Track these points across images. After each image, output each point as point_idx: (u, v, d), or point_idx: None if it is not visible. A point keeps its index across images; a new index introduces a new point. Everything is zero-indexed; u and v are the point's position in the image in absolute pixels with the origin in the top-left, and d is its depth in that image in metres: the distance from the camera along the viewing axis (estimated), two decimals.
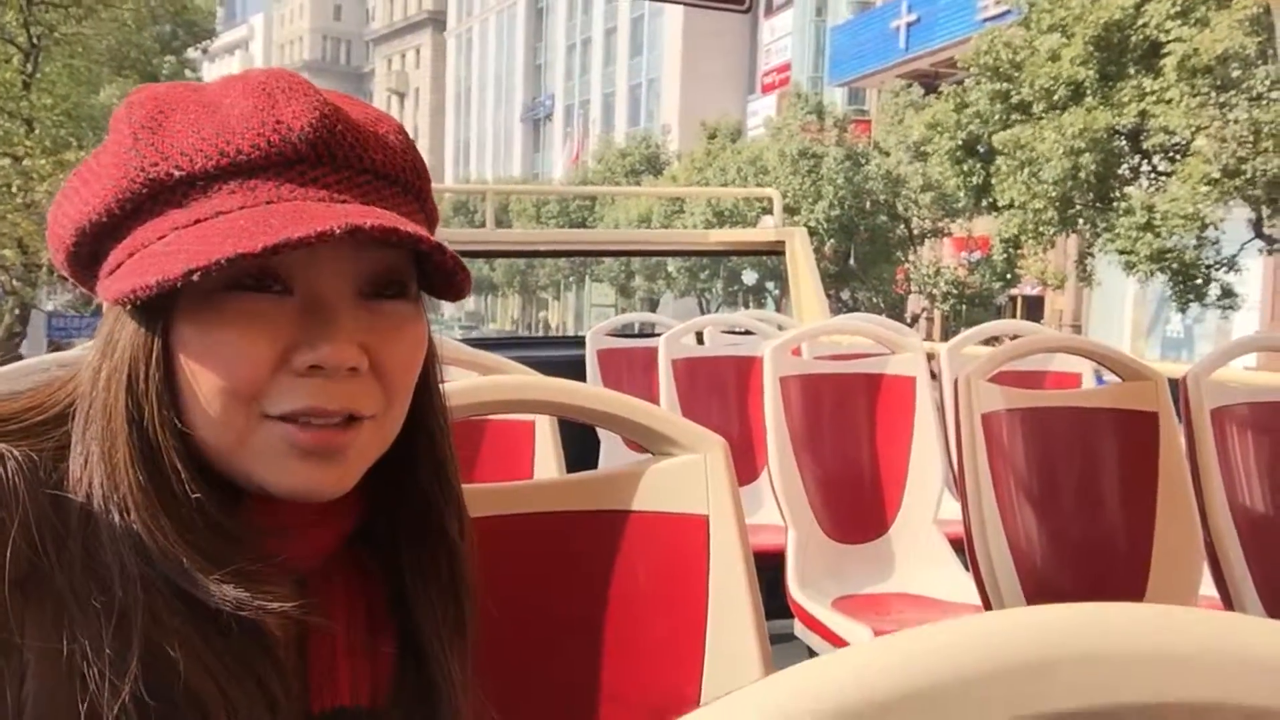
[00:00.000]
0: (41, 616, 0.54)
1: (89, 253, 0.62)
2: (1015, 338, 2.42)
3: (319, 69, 67.71)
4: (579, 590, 0.99)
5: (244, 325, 0.59)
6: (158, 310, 0.59)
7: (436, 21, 61.15)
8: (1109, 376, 2.09)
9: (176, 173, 0.59)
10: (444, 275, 0.64)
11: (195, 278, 0.55)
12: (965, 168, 14.10)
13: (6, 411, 0.61)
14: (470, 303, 44.68)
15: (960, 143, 14.02)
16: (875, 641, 0.26)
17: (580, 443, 1.29)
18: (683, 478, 1.01)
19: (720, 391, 3.38)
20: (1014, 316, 17.98)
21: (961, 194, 14.92)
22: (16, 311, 8.77)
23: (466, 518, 0.75)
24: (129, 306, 0.60)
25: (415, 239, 0.58)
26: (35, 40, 8.73)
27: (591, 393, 1.02)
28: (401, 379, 0.65)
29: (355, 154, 0.62)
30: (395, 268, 0.64)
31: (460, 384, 0.98)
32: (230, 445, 0.61)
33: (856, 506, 2.69)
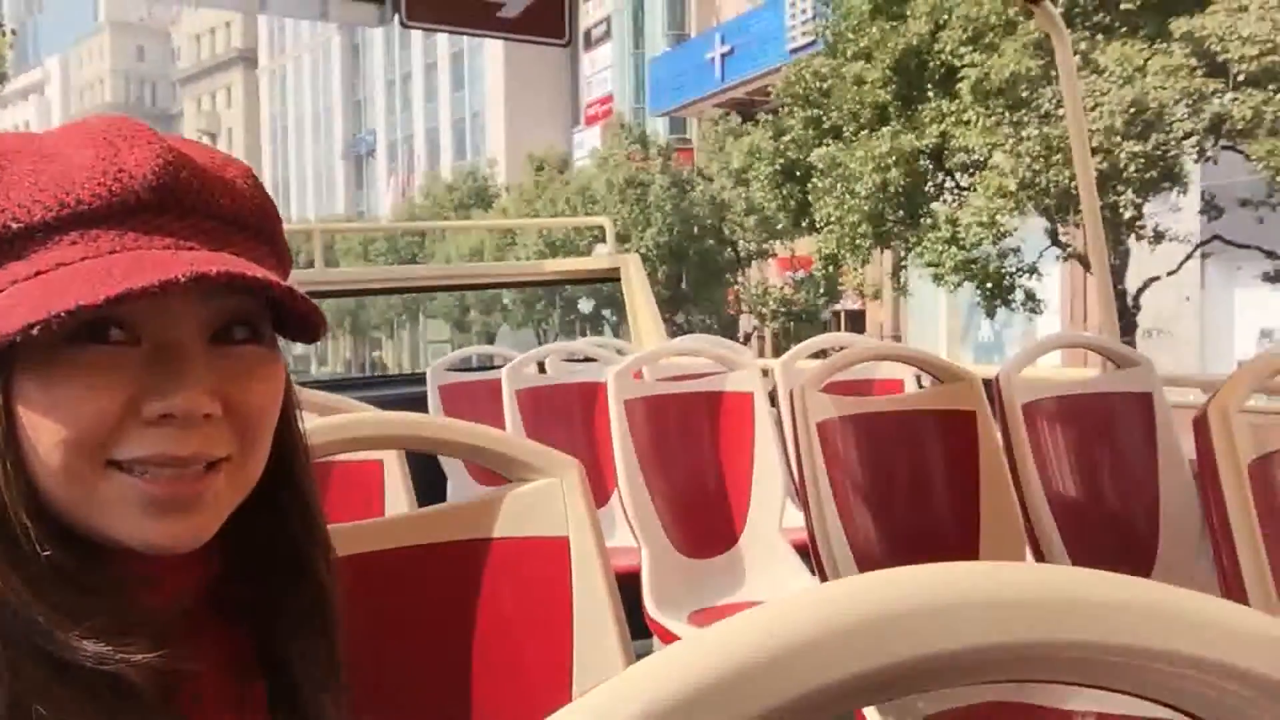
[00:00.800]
0: None
1: None
2: (841, 350, 2.54)
3: (124, 110, 64.47)
4: (447, 621, 1.00)
5: (88, 377, 0.58)
6: None
7: (247, 60, 59.28)
8: (930, 381, 2.23)
9: (14, 225, 0.58)
10: (298, 318, 0.64)
11: (35, 331, 0.54)
12: (785, 191, 14.65)
13: None
14: (297, 347, 43.23)
15: (779, 168, 14.56)
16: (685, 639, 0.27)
17: (423, 478, 1.29)
18: (541, 501, 1.04)
19: (566, 419, 3.41)
20: (839, 330, 18.73)
21: (782, 216, 15.47)
22: None
23: (333, 556, 0.75)
24: None
25: (264, 284, 0.58)
26: None
27: (446, 424, 1.03)
28: (258, 422, 0.64)
29: (201, 200, 0.61)
30: (247, 311, 0.63)
31: (313, 424, 0.97)
32: (78, 499, 0.59)
33: (706, 521, 2.76)
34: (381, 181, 46.99)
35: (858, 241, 13.27)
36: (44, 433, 0.58)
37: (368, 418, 1.04)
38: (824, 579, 1.86)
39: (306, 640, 0.71)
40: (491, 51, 37.79)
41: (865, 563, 1.84)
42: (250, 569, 0.70)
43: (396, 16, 7.81)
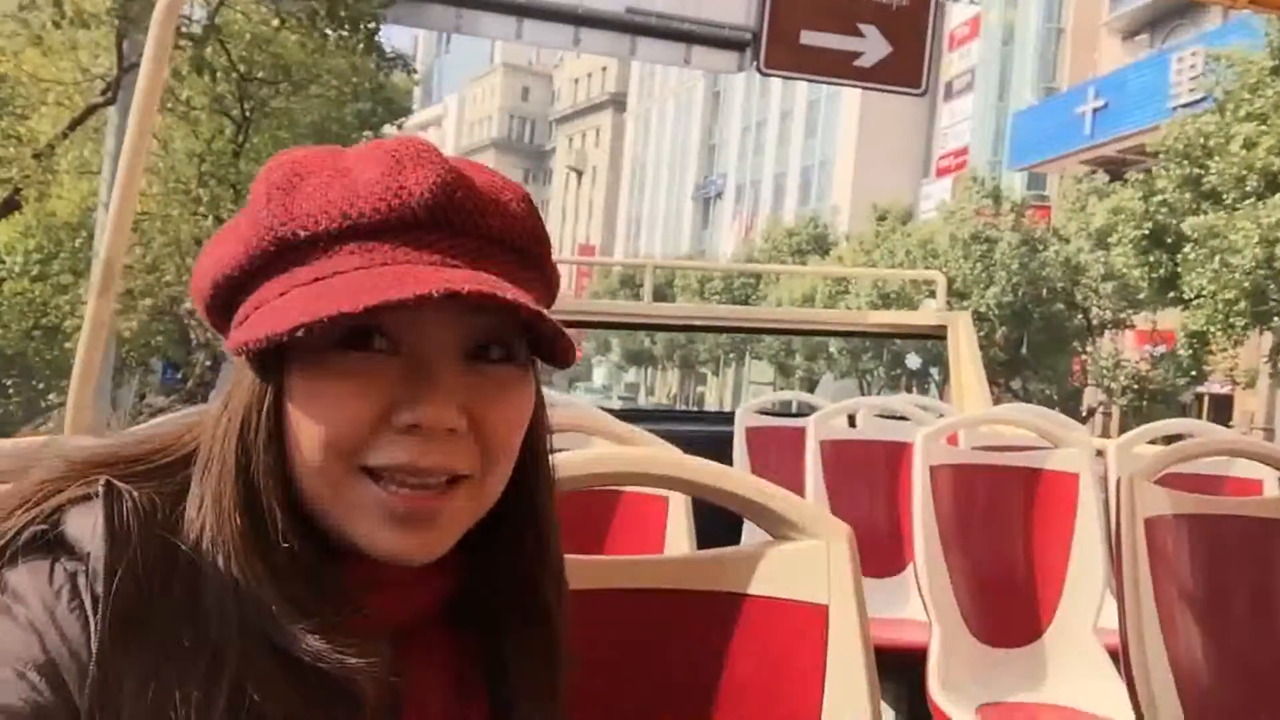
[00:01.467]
0: (141, 654, 0.57)
1: (223, 304, 0.66)
2: (1191, 439, 2.26)
3: (504, 146, 70.89)
4: (688, 671, 0.97)
5: (348, 381, 0.61)
6: (272, 363, 0.62)
7: (617, 103, 63.21)
8: None
9: (302, 233, 0.62)
10: (548, 342, 0.65)
11: (301, 333, 0.57)
12: (1151, 258, 13.48)
13: (138, 454, 0.65)
14: (631, 374, 45.24)
15: (1147, 232, 13.42)
16: None
17: (723, 524, 1.27)
18: (802, 563, 0.98)
19: (869, 477, 3.28)
20: (1199, 416, 16.90)
21: (1145, 285, 14.23)
22: (208, 362, 9.40)
23: (565, 589, 0.75)
24: (247, 358, 0.63)
25: (512, 304, 0.59)
26: (248, 113, 9.49)
27: (710, 469, 1.00)
28: (502, 442, 0.65)
29: (472, 220, 0.63)
30: (501, 331, 0.65)
31: (580, 454, 0.98)
32: (328, 497, 0.62)
33: (1008, 608, 2.54)
34: (725, 223, 48.30)
35: (1232, 320, 11.94)
36: (306, 430, 0.61)
37: (637, 454, 1.03)
38: (1133, 692, 1.65)
39: (530, 666, 0.71)
40: (848, 100, 37.85)
41: (1186, 682, 1.60)
42: (484, 589, 0.71)
43: (755, 64, 8.01)
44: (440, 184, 0.62)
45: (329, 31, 8.36)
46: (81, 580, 0.57)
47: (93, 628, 0.56)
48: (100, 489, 0.59)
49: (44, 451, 0.67)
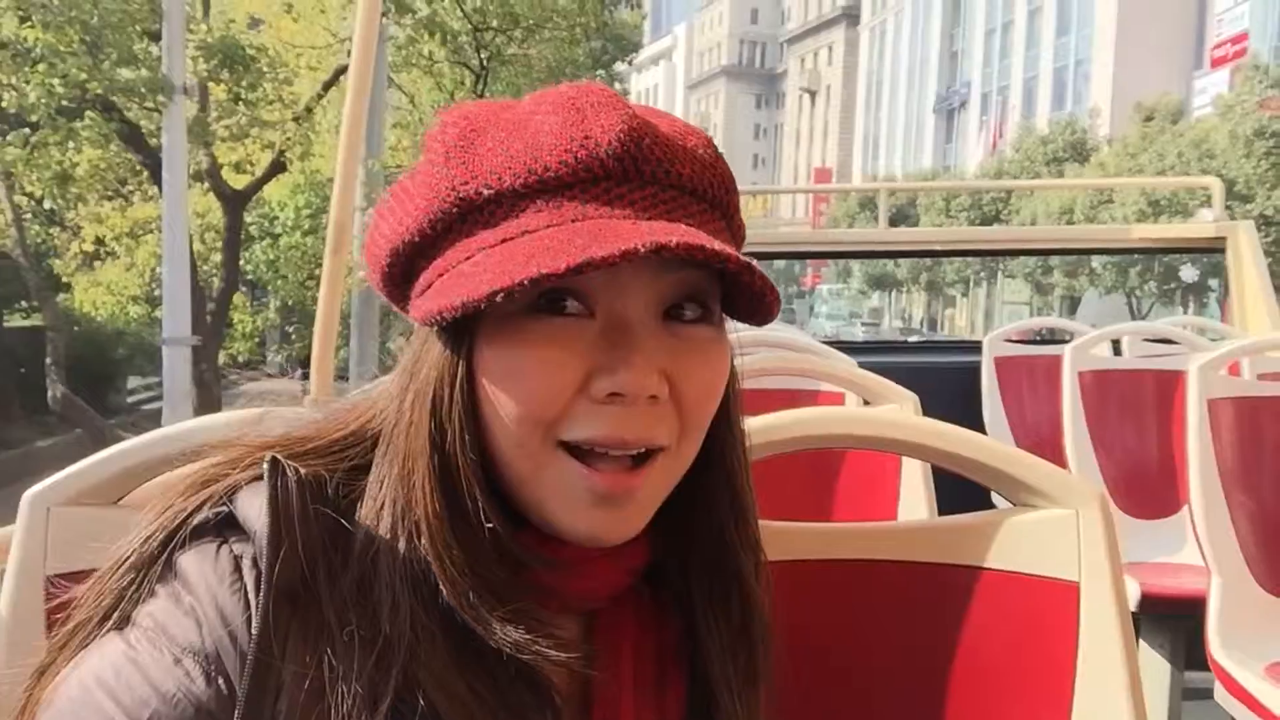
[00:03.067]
0: (303, 638, 0.55)
1: (402, 272, 0.63)
2: None
3: (735, 73, 70.10)
4: (917, 650, 0.89)
5: (545, 349, 0.58)
6: (462, 332, 0.59)
7: (850, 17, 61.02)
8: None
9: (485, 191, 0.58)
10: (751, 296, 0.60)
11: (499, 299, 0.54)
12: None
13: (310, 433, 0.63)
14: (875, 299, 44.12)
15: None
16: None
17: (968, 486, 1.17)
18: (1050, 535, 0.87)
19: (1136, 412, 3.00)
20: None
21: None
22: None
23: (763, 560, 0.70)
24: (435, 328, 0.60)
25: (722, 256, 0.55)
26: (485, 62, 9.81)
27: (935, 429, 0.90)
28: (701, 408, 0.61)
29: (662, 169, 0.59)
30: (699, 288, 0.61)
31: (790, 413, 0.90)
32: (526, 474, 0.59)
33: None
34: (971, 135, 45.86)
35: None
36: (502, 402, 0.58)
37: (851, 414, 0.95)
38: None
39: (727, 643, 0.68)
40: None
41: None
42: (676, 563, 0.68)
43: None
44: (627, 131, 0.58)
45: None
46: (246, 562, 0.56)
47: (255, 609, 0.55)
48: (265, 469, 0.58)
49: (258, 426, 0.67)
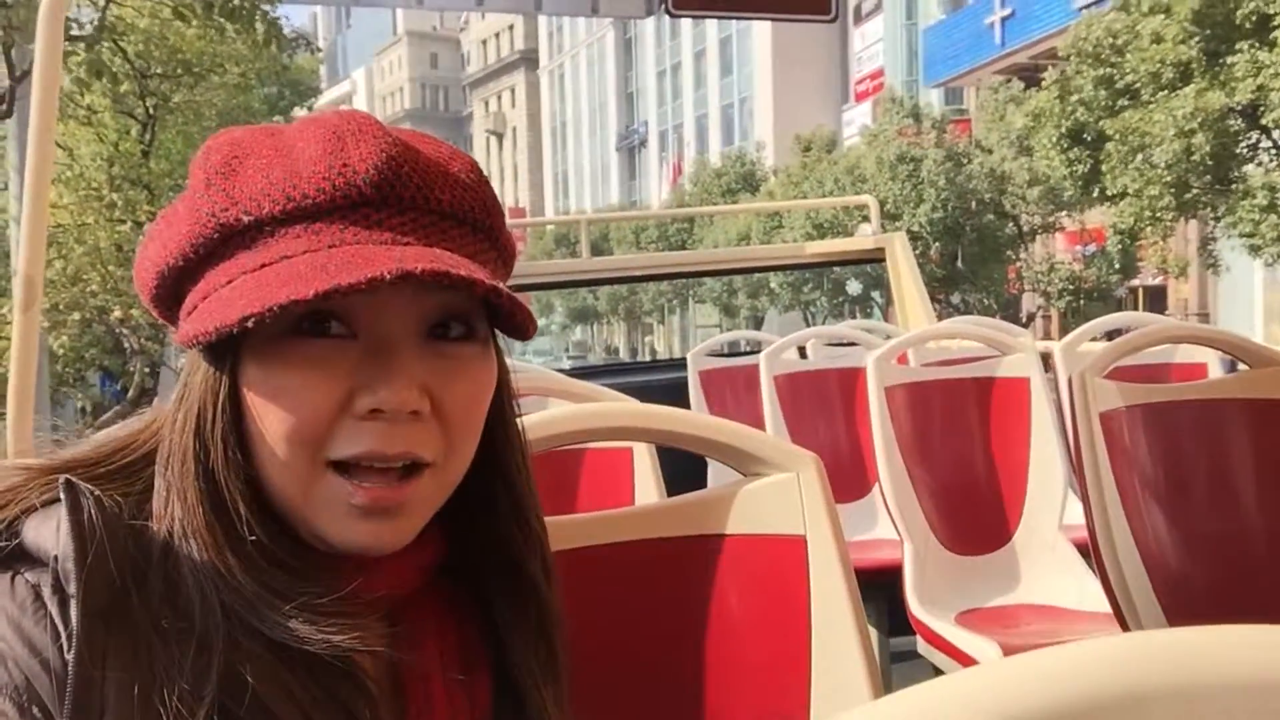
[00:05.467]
0: (121, 647, 0.55)
1: (170, 295, 0.64)
2: (1132, 331, 2.30)
3: (420, 117, 69.60)
4: (676, 618, 0.97)
5: (307, 369, 0.59)
6: (225, 354, 0.60)
7: (529, 61, 62.32)
8: (1242, 368, 1.97)
9: (245, 218, 0.60)
10: (505, 315, 0.64)
11: (250, 324, 0.55)
12: (1072, 155, 13.65)
13: (97, 456, 0.63)
14: (578, 332, 45.15)
15: (1065, 131, 13.59)
16: (1001, 661, 0.26)
17: (688, 468, 1.27)
18: (776, 498, 0.98)
19: (826, 406, 3.31)
20: (1135, 309, 17.31)
21: (1069, 185, 14.44)
22: (146, 370, 9.21)
23: (549, 556, 0.74)
24: (199, 350, 0.61)
25: (468, 282, 0.58)
26: (151, 111, 9.22)
27: (674, 415, 0.99)
28: (465, 421, 0.64)
29: (421, 195, 0.61)
30: (459, 308, 0.63)
31: (536, 416, 0.96)
32: (294, 493, 0.61)
33: (975, 516, 2.59)
34: (653, 171, 48.10)
35: (1158, 214, 12.18)
36: (269, 422, 0.59)
37: (595, 409, 1.02)
38: (1106, 583, 1.69)
39: (524, 636, 0.71)
40: (760, 35, 37.68)
41: (1156, 570, 1.64)
42: (465, 557, 0.71)
43: (663, 6, 7.91)
44: (385, 159, 0.60)
45: (225, 22, 8.11)
46: (46, 590, 0.55)
47: (64, 634, 0.54)
48: (61, 489, 0.57)
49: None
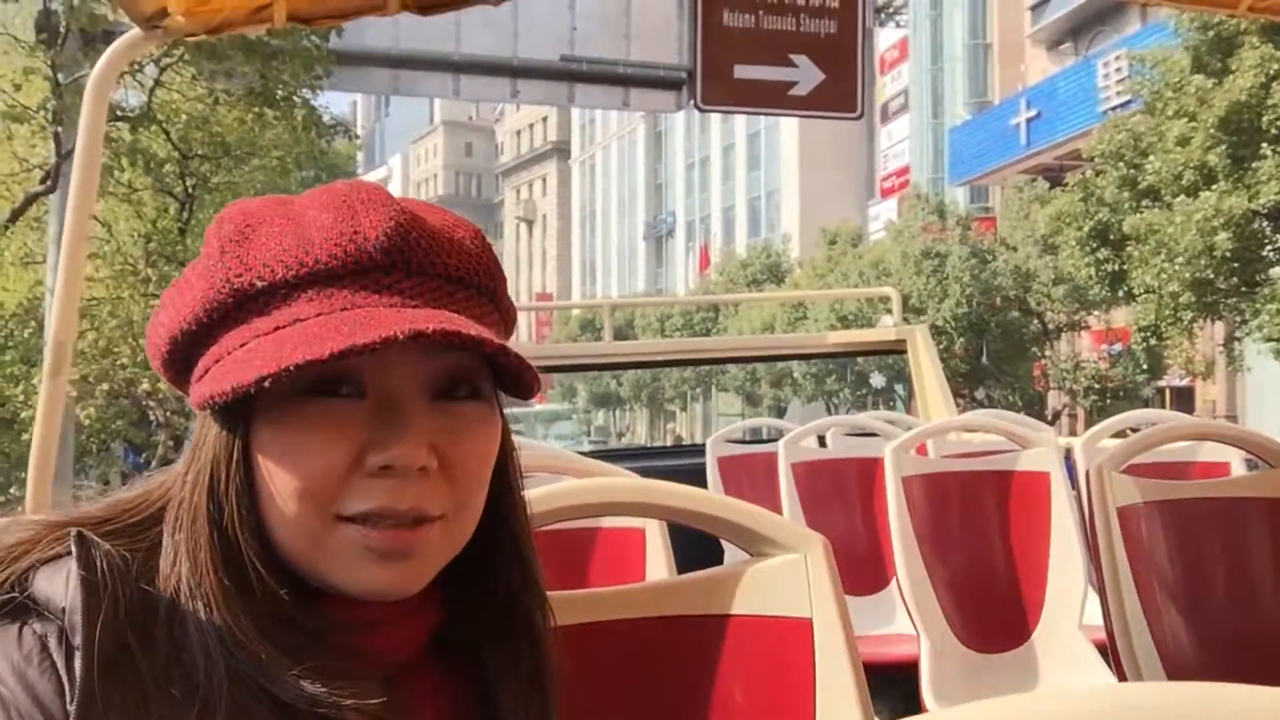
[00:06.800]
0: (125, 701, 0.56)
1: (181, 359, 0.66)
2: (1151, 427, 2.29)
3: (453, 202, 70.97)
4: (679, 697, 0.96)
5: (318, 428, 0.61)
6: (238, 415, 0.62)
7: (561, 151, 63.61)
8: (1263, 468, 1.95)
9: (259, 283, 0.62)
10: (513, 375, 0.66)
11: (267, 384, 0.57)
12: (1098, 256, 13.70)
13: (108, 514, 0.64)
14: (600, 418, 45.15)
15: (1090, 231, 13.65)
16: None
17: (703, 549, 1.26)
18: (782, 578, 0.98)
19: (843, 495, 3.29)
20: (1163, 409, 17.12)
21: (1095, 284, 14.46)
22: (170, 443, 9.28)
23: (550, 613, 0.75)
24: (212, 411, 0.63)
25: (479, 341, 0.60)
26: (190, 190, 9.44)
27: (684, 492, 1.00)
28: (472, 478, 0.66)
29: (429, 260, 0.64)
30: (465, 369, 0.65)
31: (548, 488, 0.97)
32: (306, 548, 0.62)
33: (994, 612, 2.55)
34: (679, 260, 48.59)
35: (1180, 312, 12.15)
36: (279, 482, 0.61)
37: (608, 483, 1.03)
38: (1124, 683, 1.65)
39: (520, 693, 0.71)
40: (788, 130, 38.34)
41: (1173, 668, 1.61)
42: (468, 624, 0.71)
43: (693, 102, 8.08)
44: (395, 226, 0.63)
45: (266, 109, 8.36)
46: (52, 641, 0.56)
47: (67, 686, 0.55)
48: (73, 542, 0.58)
49: (8, 529, 0.66)
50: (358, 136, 19.99)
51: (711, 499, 1.01)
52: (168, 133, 8.53)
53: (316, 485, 0.61)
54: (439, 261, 0.64)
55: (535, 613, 0.73)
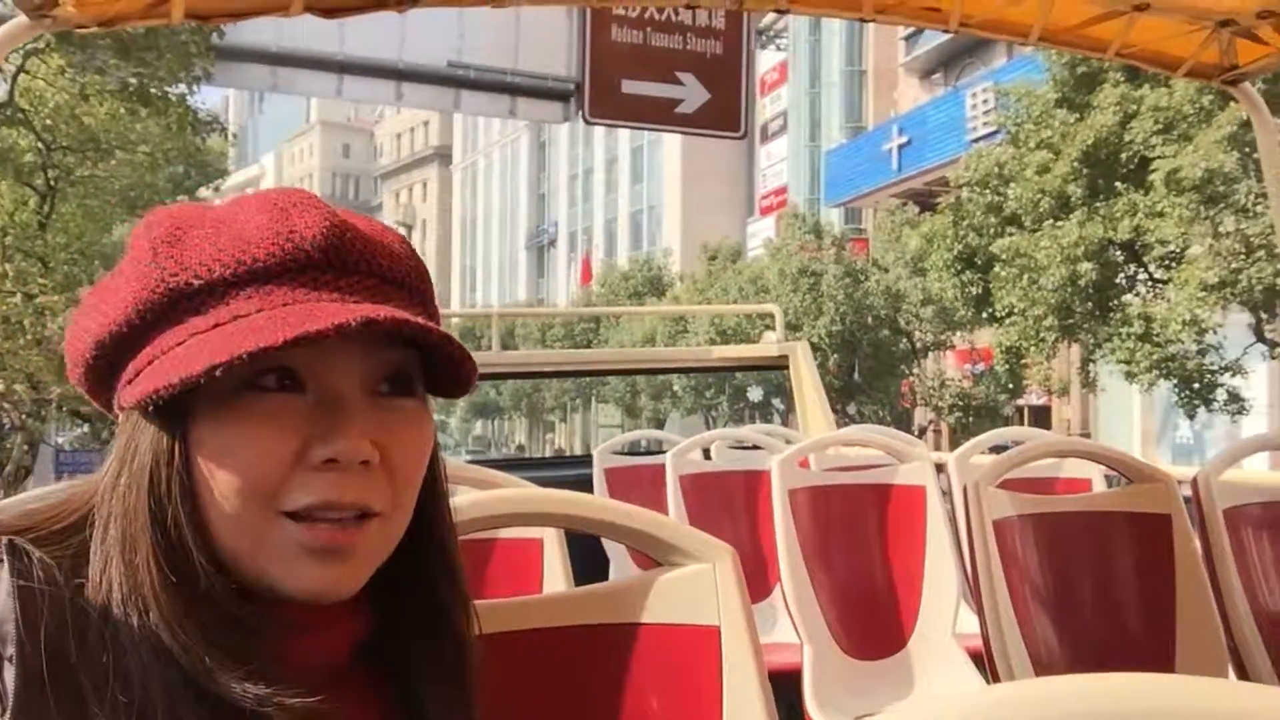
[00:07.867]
0: (60, 713, 0.54)
1: (107, 365, 0.65)
2: (1021, 445, 2.41)
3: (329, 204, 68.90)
4: (589, 706, 0.97)
5: (260, 423, 0.61)
6: (176, 414, 0.61)
7: (443, 156, 62.85)
8: (1120, 482, 2.07)
9: (196, 281, 0.62)
10: (452, 367, 0.67)
11: (218, 373, 0.57)
12: (964, 278, 14.26)
13: (24, 523, 0.62)
14: (477, 427, 44.68)
15: (957, 254, 14.22)
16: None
17: (587, 559, 1.28)
18: (692, 588, 1.00)
19: (729, 507, 3.36)
20: (1022, 426, 17.89)
21: (961, 305, 15.06)
22: (25, 447, 8.79)
23: (475, 616, 0.76)
24: (149, 410, 0.62)
25: (425, 329, 0.62)
26: (52, 183, 9.00)
27: (597, 503, 1.01)
28: (410, 475, 0.67)
29: (364, 259, 0.65)
30: (403, 366, 0.66)
31: (470, 497, 0.98)
32: (247, 547, 0.62)
33: (873, 621, 2.64)
34: (561, 271, 48.57)
35: (1042, 334, 12.75)
36: (220, 479, 0.61)
37: (520, 494, 1.04)
38: None
39: (446, 697, 0.72)
40: (670, 146, 38.76)
41: (1045, 674, 1.70)
42: (394, 634, 0.72)
43: (580, 114, 8.11)
44: (329, 226, 0.64)
45: (140, 106, 8.05)
46: None
47: (5, 695, 0.53)
48: (4, 550, 0.57)
49: None
50: (235, 135, 19.36)
51: (628, 510, 1.02)
52: (30, 123, 8.11)
53: (259, 480, 0.61)
54: (374, 261, 0.66)
55: (461, 615, 0.74)
